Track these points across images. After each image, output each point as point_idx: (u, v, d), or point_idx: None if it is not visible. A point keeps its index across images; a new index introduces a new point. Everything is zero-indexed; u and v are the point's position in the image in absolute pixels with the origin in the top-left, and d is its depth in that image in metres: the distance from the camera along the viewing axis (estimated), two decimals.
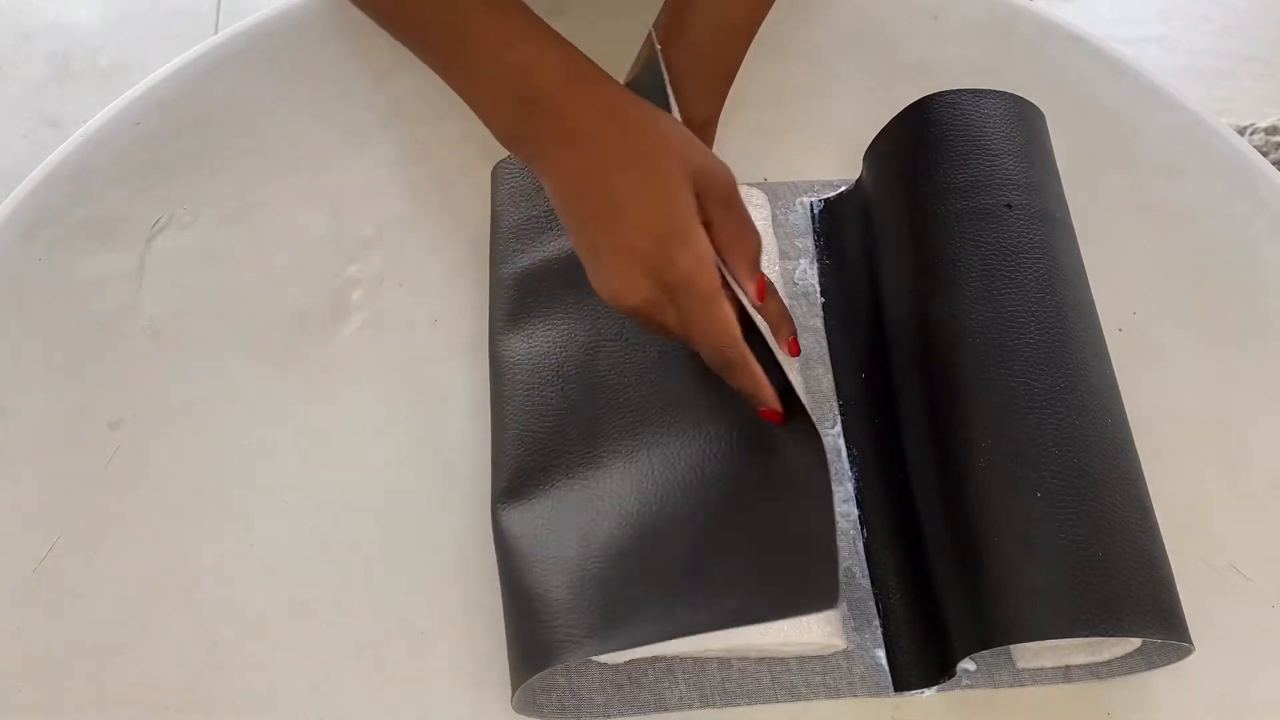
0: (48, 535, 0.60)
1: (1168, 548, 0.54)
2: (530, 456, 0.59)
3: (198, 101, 0.75)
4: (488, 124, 0.52)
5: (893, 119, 0.66)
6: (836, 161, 0.71)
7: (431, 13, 0.52)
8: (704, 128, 0.62)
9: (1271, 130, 1.55)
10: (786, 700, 0.55)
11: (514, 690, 0.53)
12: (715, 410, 0.56)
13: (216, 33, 0.94)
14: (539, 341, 0.62)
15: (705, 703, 0.55)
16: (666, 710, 0.55)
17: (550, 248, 0.64)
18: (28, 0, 1.71)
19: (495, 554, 0.57)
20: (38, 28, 1.68)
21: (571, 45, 0.53)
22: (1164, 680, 0.57)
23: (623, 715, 0.55)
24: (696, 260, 0.50)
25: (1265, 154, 1.51)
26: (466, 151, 0.71)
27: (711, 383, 0.56)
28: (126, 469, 0.62)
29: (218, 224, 0.70)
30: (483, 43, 0.50)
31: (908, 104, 0.65)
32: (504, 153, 0.62)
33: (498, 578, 0.57)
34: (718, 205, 0.53)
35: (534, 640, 0.53)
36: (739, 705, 0.55)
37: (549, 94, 0.49)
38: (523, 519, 0.57)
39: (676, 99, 0.59)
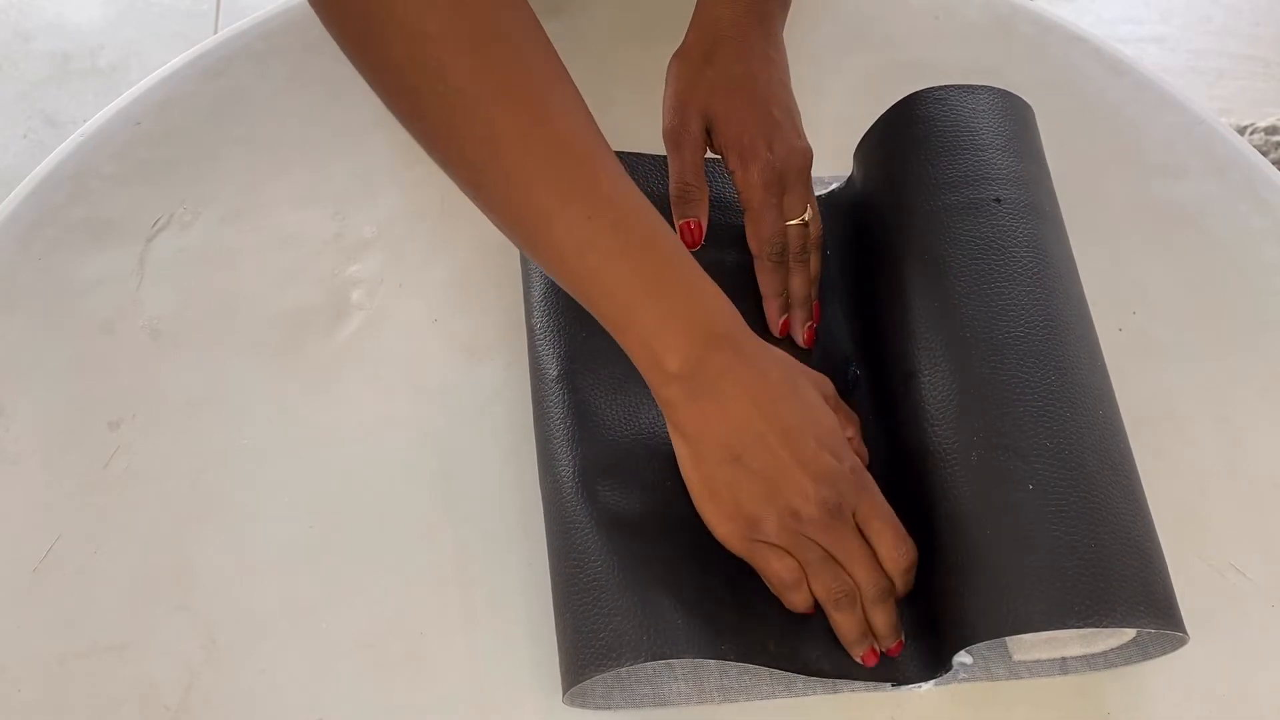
0: (48, 535, 0.60)
1: (1167, 548, 0.54)
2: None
3: (198, 101, 0.75)
4: (661, 357, 0.53)
5: (881, 116, 0.65)
6: (838, 160, 0.71)
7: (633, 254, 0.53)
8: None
9: (1271, 130, 1.56)
10: (784, 696, 0.56)
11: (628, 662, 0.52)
12: None
13: (216, 33, 0.94)
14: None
15: (704, 699, 0.55)
16: (666, 705, 0.55)
17: None
18: (28, 0, 1.71)
19: (559, 535, 0.57)
20: (38, 28, 1.68)
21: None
22: (1163, 680, 0.57)
23: (622, 708, 0.55)
24: (862, 467, 0.56)
25: (1265, 154, 1.50)
26: None
27: None
28: (126, 469, 0.62)
29: (218, 224, 0.70)
30: (676, 284, 0.54)
31: None
32: None
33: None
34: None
35: (662, 626, 0.53)
36: (737, 701, 0.56)
37: (730, 330, 0.54)
38: (623, 508, 0.57)
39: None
